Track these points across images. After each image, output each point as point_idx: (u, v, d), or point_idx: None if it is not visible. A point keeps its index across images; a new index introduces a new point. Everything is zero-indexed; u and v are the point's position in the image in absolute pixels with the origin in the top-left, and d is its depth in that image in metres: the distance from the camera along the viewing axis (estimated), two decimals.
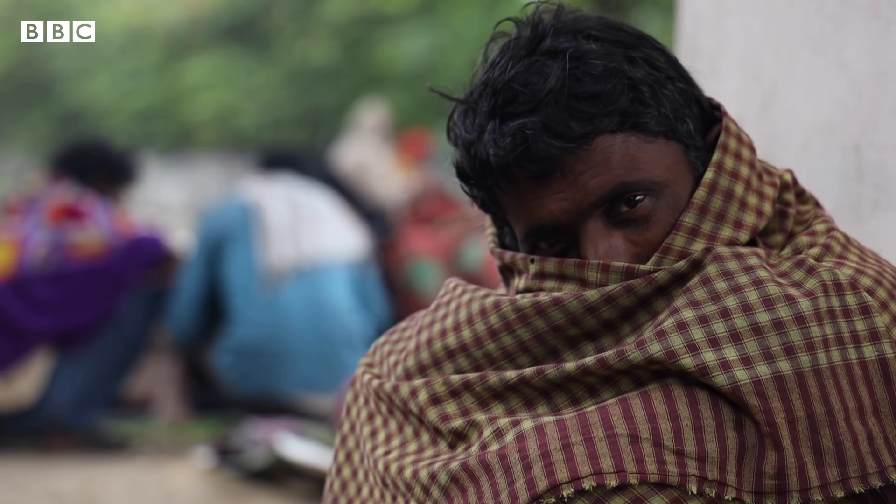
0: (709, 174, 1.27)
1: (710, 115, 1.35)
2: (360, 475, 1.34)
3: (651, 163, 1.26)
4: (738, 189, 1.28)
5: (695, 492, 1.13)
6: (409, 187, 7.48)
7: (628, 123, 1.25)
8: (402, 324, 1.43)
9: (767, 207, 1.30)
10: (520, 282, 1.31)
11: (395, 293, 5.23)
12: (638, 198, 1.25)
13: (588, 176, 1.25)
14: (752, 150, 1.32)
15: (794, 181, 1.37)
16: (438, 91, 1.35)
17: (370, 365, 1.39)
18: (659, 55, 1.30)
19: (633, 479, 1.12)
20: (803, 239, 1.29)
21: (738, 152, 1.30)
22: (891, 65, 1.55)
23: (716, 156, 1.28)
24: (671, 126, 1.28)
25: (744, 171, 1.29)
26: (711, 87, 1.86)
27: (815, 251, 1.27)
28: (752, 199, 1.29)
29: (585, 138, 1.24)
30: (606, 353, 1.19)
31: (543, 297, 1.23)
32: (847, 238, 1.31)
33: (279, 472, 3.71)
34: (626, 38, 1.29)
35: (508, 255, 1.33)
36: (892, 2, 1.55)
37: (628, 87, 1.25)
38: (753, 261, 1.22)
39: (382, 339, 1.42)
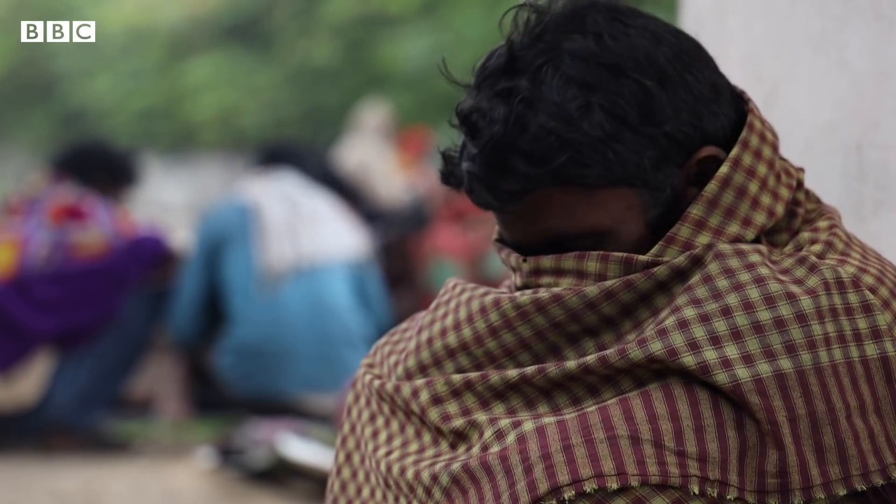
0: (724, 169, 1.25)
1: (738, 108, 1.31)
2: (361, 476, 1.34)
3: (590, 213, 1.24)
4: (753, 187, 1.26)
5: (697, 492, 1.13)
6: (411, 185, 7.47)
7: (564, 180, 1.23)
8: (403, 324, 1.43)
9: (780, 208, 1.28)
10: (516, 279, 1.31)
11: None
12: (576, 243, 1.25)
13: (525, 223, 1.27)
14: (775, 149, 1.30)
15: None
16: (451, 79, 1.33)
17: (371, 365, 1.39)
18: (635, 91, 1.23)
19: (634, 482, 1.12)
20: (805, 235, 1.29)
21: (758, 150, 1.28)
22: (893, 65, 1.55)
23: (734, 151, 1.26)
24: (621, 175, 1.23)
25: (761, 169, 1.28)
26: None
27: (817, 248, 1.26)
28: (766, 199, 1.27)
29: (516, 196, 1.24)
30: (608, 352, 1.18)
31: (543, 293, 1.23)
32: (849, 236, 1.31)
33: (281, 473, 3.71)
34: (599, 73, 1.23)
35: (504, 252, 1.33)
36: (894, 2, 1.55)
37: (568, 145, 1.21)
38: (755, 258, 1.21)
39: (383, 339, 1.42)
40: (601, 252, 1.24)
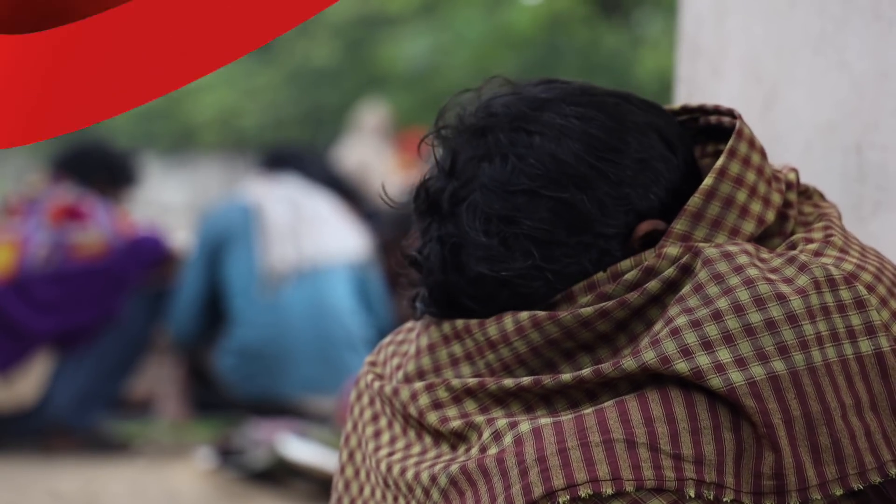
0: (708, 180, 1.24)
1: (687, 148, 1.32)
2: (362, 475, 1.34)
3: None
4: (741, 196, 1.25)
5: (692, 495, 1.12)
6: (410, 186, 7.47)
7: (518, 306, 1.26)
8: (408, 324, 1.43)
9: (771, 215, 1.27)
10: None
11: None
12: None
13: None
14: (764, 155, 1.29)
15: (797, 179, 1.36)
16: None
17: (374, 364, 1.39)
18: (553, 208, 1.24)
19: (629, 487, 1.12)
20: (799, 235, 1.28)
21: (747, 157, 1.27)
22: (892, 65, 1.55)
23: (720, 161, 1.25)
24: (567, 284, 1.25)
25: (750, 177, 1.26)
26: (713, 87, 1.86)
27: (813, 246, 1.25)
28: (756, 207, 1.26)
29: (446, 313, 1.29)
30: (602, 364, 1.18)
31: (540, 311, 1.24)
32: (846, 235, 1.30)
33: (280, 473, 3.71)
34: (514, 202, 1.25)
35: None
36: (894, 2, 1.55)
37: (505, 282, 1.25)
38: (743, 259, 1.21)
39: (388, 338, 1.42)
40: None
